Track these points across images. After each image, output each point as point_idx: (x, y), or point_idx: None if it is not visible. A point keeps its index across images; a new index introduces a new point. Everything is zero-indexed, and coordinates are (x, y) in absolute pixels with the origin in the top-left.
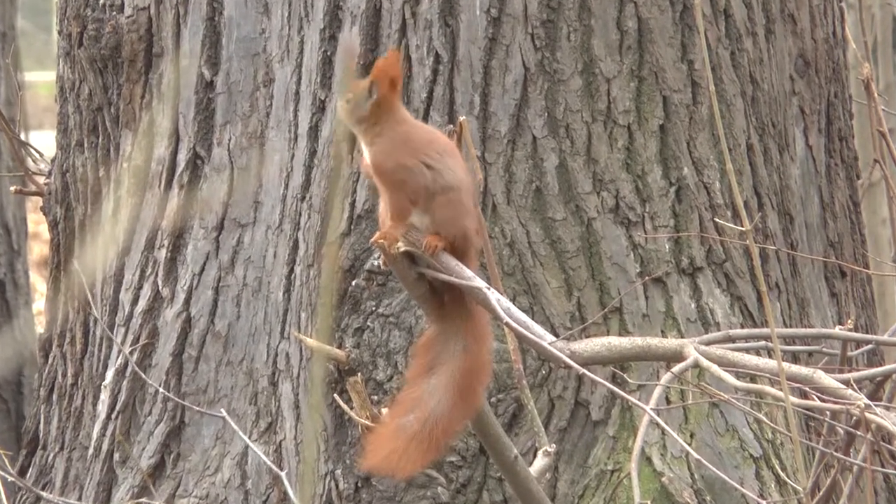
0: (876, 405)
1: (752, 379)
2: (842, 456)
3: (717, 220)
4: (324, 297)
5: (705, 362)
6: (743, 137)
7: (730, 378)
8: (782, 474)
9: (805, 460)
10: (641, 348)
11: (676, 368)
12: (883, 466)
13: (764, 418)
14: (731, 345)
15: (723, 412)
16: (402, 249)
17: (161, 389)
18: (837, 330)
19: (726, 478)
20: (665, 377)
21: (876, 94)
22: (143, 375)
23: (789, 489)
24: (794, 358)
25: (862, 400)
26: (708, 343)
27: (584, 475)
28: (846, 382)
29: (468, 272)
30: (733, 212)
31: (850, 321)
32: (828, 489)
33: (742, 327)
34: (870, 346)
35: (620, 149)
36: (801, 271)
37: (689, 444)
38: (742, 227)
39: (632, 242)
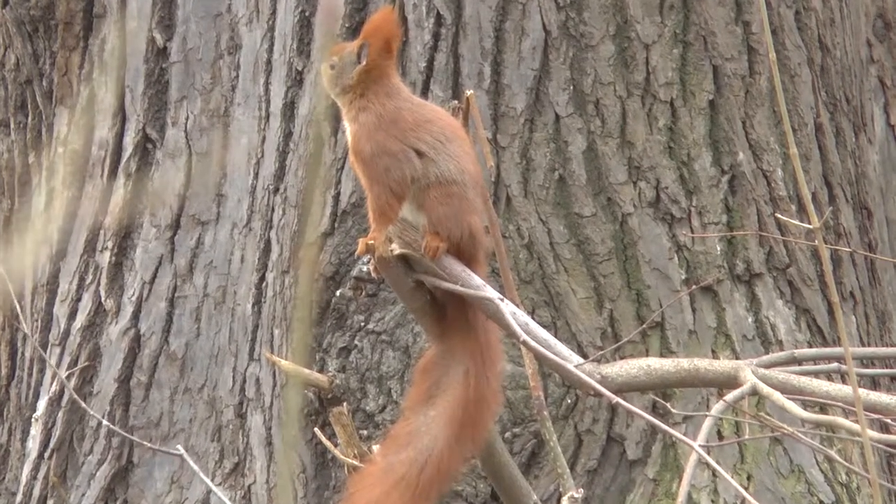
0: None
1: (823, 409)
2: None
3: (779, 215)
4: (301, 311)
5: (765, 388)
6: (810, 115)
7: (795, 408)
8: None
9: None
10: (688, 372)
11: (730, 396)
12: None
13: (836, 456)
14: (797, 367)
15: (786, 449)
16: (396, 252)
17: (105, 422)
18: None
19: None
20: (717, 407)
21: None
22: (84, 404)
23: None
24: (873, 383)
25: None
26: (768, 366)
27: None
28: None
29: (477, 280)
30: (799, 206)
31: None
32: None
33: (809, 345)
34: None
35: (662, 129)
36: (882, 277)
37: (746, 489)
38: (809, 224)
39: (675, 243)
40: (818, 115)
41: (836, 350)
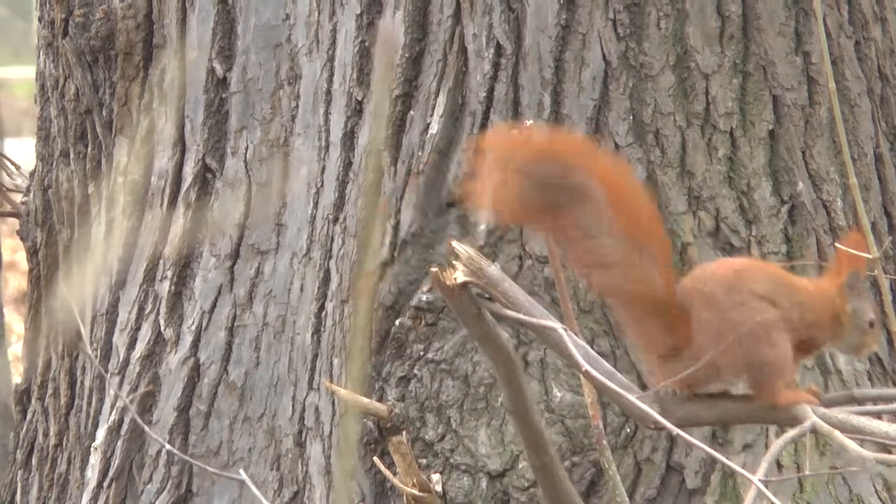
0: None
1: (885, 447)
2: None
3: (838, 245)
4: (360, 340)
5: (825, 427)
6: (870, 145)
7: (855, 446)
8: None
9: None
10: (749, 409)
11: (790, 435)
12: None
13: None
14: (857, 408)
15: (845, 479)
16: (460, 280)
17: (167, 445)
18: None
19: None
20: (777, 443)
21: None
22: (147, 429)
23: None
24: None
25: None
26: (829, 404)
27: None
28: None
29: (540, 309)
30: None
31: None
32: None
33: (869, 377)
34: None
35: (721, 159)
36: None
37: None
38: (869, 253)
39: None
40: (878, 144)
41: None
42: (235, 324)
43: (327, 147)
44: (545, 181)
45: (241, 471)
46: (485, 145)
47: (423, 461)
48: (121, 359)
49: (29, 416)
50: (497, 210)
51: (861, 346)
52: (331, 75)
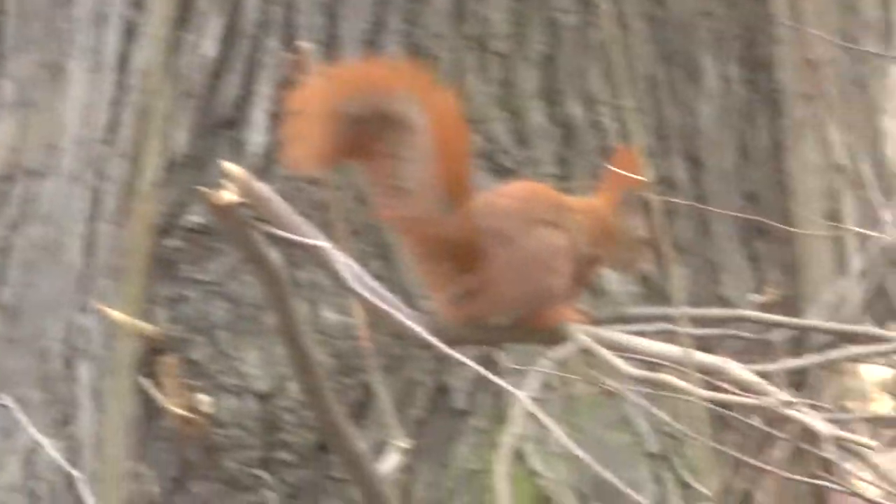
0: (798, 401)
1: (653, 367)
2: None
3: (611, 167)
4: (133, 261)
5: (594, 346)
6: (644, 67)
7: (623, 366)
8: (686, 475)
9: (714, 458)
10: (518, 330)
11: (557, 353)
12: (808, 467)
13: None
14: (626, 327)
15: (614, 399)
16: (231, 201)
17: None
18: (754, 312)
19: (615, 481)
20: (545, 362)
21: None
22: None
23: (695, 493)
24: (704, 342)
25: (780, 395)
26: (598, 324)
27: (445, 476)
28: (763, 374)
29: (310, 229)
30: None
31: (771, 291)
32: (741, 495)
33: (640, 297)
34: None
35: (494, 80)
36: (713, 229)
37: (573, 439)
38: (642, 175)
39: None
40: (652, 67)
41: (665, 310)
42: (5, 245)
43: (101, 69)
44: (361, 116)
45: (4, 395)
46: (297, 101)
47: (193, 382)
48: None
49: None
50: (311, 159)
51: (632, 261)
52: None
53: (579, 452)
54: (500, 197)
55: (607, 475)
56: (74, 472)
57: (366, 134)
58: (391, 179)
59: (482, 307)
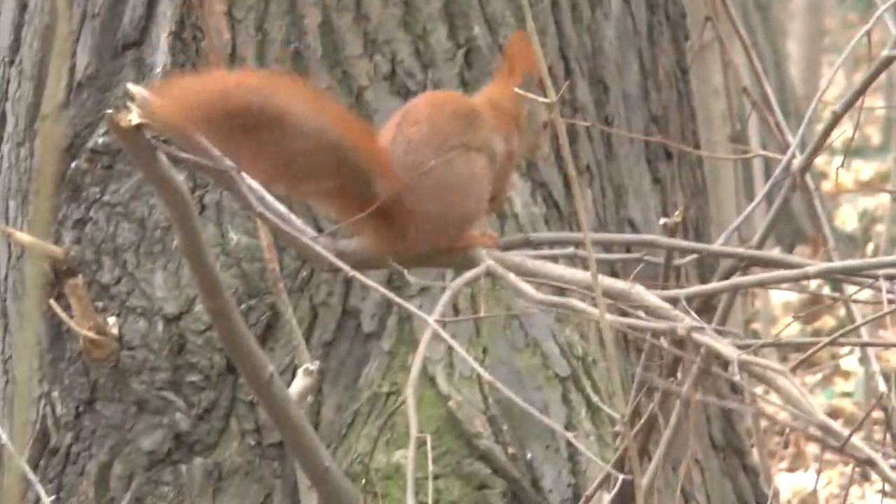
0: (703, 326)
1: (560, 291)
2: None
3: (515, 89)
4: (38, 182)
5: (500, 270)
6: None
7: (530, 290)
8: (595, 398)
9: (623, 382)
10: (425, 252)
11: (465, 277)
12: (717, 393)
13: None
14: (532, 252)
15: (522, 323)
16: (136, 122)
17: None
18: (663, 238)
19: (523, 403)
20: (452, 286)
21: None
22: None
23: (603, 416)
24: (611, 267)
25: (686, 321)
26: (504, 248)
27: (353, 399)
28: (670, 299)
29: (215, 151)
30: (535, 80)
31: (677, 213)
32: (649, 417)
33: (546, 220)
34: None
35: (397, 3)
36: (618, 152)
37: (482, 362)
38: (545, 98)
39: None
40: None
41: (573, 234)
42: None
43: None
44: (232, 121)
45: None
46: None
47: (100, 304)
48: None
49: None
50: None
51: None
52: None
53: (486, 375)
54: (410, 126)
55: (516, 398)
56: None
57: (240, 130)
58: (280, 167)
59: (408, 240)
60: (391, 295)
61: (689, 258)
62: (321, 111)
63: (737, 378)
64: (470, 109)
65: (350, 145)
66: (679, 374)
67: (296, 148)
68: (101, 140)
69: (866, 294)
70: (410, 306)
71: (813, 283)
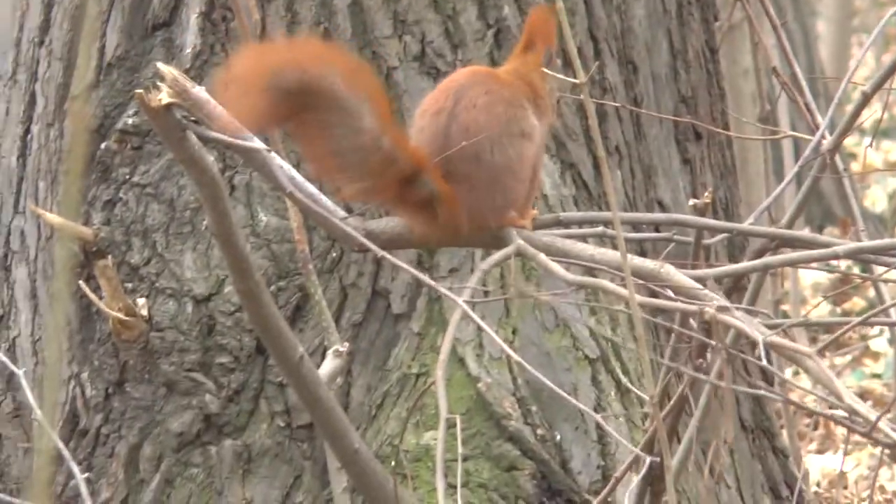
0: (732, 307)
1: (590, 272)
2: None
3: (545, 69)
4: (68, 163)
5: (530, 250)
6: None
7: (560, 270)
8: (624, 379)
9: (652, 363)
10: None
11: (494, 257)
12: (747, 373)
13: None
14: (562, 231)
15: (552, 305)
16: (165, 102)
17: None
18: (692, 217)
19: (552, 385)
20: (481, 266)
21: None
22: None
23: (633, 397)
24: (640, 246)
25: (716, 300)
26: (534, 227)
27: (383, 380)
28: (699, 279)
29: (245, 131)
30: (564, 60)
31: (707, 194)
32: (678, 399)
33: (575, 200)
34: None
35: None
36: (647, 132)
37: (511, 343)
38: (575, 78)
39: None
40: None
41: (603, 214)
42: None
43: None
44: (288, 91)
45: None
46: (228, 77)
47: (129, 285)
48: None
49: None
50: (248, 124)
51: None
52: None
53: (515, 356)
54: (467, 112)
55: (545, 380)
56: (16, 370)
57: (297, 106)
58: (328, 149)
59: (455, 226)
60: (421, 276)
61: (718, 237)
62: (370, 108)
63: (763, 362)
64: (519, 94)
65: (397, 149)
66: (709, 355)
67: (345, 142)
68: (130, 121)
69: None
70: (440, 287)
71: (842, 264)
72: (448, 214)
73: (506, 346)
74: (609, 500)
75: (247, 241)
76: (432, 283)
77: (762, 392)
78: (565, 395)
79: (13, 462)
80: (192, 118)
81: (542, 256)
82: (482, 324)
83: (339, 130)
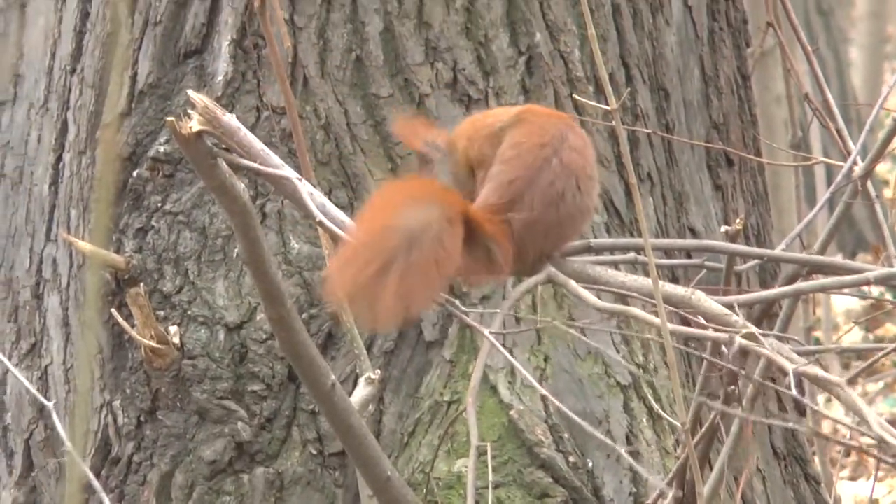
0: (764, 333)
1: (620, 297)
2: (717, 407)
3: (576, 96)
4: (99, 191)
5: (560, 277)
6: None
7: (590, 297)
8: (656, 406)
9: (684, 390)
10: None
11: (525, 284)
12: (779, 399)
13: (633, 341)
14: (594, 258)
15: (583, 331)
16: (197, 130)
17: None
18: (723, 243)
19: (575, 417)
20: (513, 294)
21: None
22: None
23: (665, 424)
24: (671, 273)
25: (747, 328)
26: (565, 254)
27: (415, 407)
28: (730, 306)
29: (275, 159)
30: (596, 87)
31: (738, 220)
32: (710, 426)
33: (606, 227)
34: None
35: (459, 10)
36: (679, 159)
37: (543, 370)
38: (607, 105)
39: None
40: None
41: (634, 240)
42: None
43: None
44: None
45: None
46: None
47: (161, 313)
48: None
49: None
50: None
51: None
52: None
53: (541, 389)
54: (567, 153)
55: (569, 412)
56: (45, 401)
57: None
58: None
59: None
60: (451, 305)
61: (750, 264)
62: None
63: (793, 392)
64: (579, 137)
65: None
66: (740, 383)
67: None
68: (162, 148)
69: None
70: (468, 319)
71: (875, 290)
72: (505, 258)
73: (531, 378)
74: None
75: (279, 268)
76: (461, 314)
77: (790, 424)
78: (589, 428)
79: (45, 491)
80: (224, 146)
81: (573, 283)
82: (509, 357)
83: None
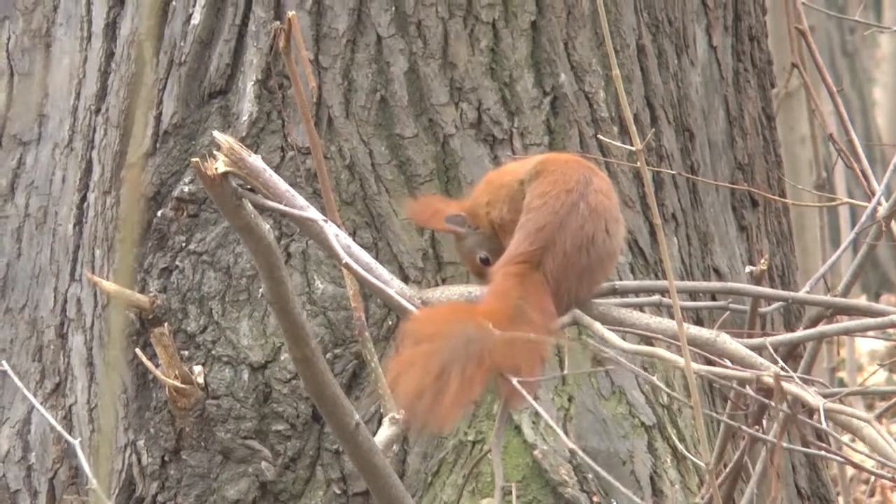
0: (789, 375)
1: (646, 339)
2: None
3: (601, 136)
4: (124, 231)
5: (586, 319)
6: (632, 37)
7: (615, 338)
8: (680, 446)
9: (708, 430)
10: None
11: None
12: (803, 441)
13: (658, 382)
14: (618, 300)
15: (608, 372)
16: (222, 171)
17: None
18: (748, 285)
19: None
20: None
21: None
22: None
23: (689, 464)
24: (696, 314)
25: (772, 369)
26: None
27: (439, 447)
28: (755, 348)
29: (300, 200)
30: (621, 127)
31: (763, 261)
32: (735, 466)
33: (631, 267)
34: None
35: (484, 50)
36: (704, 200)
37: (567, 411)
38: (632, 145)
39: (497, 164)
40: (640, 36)
41: (659, 283)
42: None
43: (89, 37)
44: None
45: (4, 362)
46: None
47: (185, 353)
48: None
49: None
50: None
51: None
52: None
53: (562, 434)
54: (594, 196)
55: (586, 458)
56: (71, 439)
57: None
58: None
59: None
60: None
61: (775, 306)
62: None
63: (823, 425)
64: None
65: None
66: (764, 423)
67: None
68: (186, 188)
69: None
70: None
71: None
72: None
73: (552, 422)
74: None
75: (303, 308)
76: None
77: (822, 453)
78: (609, 477)
79: None
80: (248, 186)
81: (598, 325)
82: (532, 401)
83: None
